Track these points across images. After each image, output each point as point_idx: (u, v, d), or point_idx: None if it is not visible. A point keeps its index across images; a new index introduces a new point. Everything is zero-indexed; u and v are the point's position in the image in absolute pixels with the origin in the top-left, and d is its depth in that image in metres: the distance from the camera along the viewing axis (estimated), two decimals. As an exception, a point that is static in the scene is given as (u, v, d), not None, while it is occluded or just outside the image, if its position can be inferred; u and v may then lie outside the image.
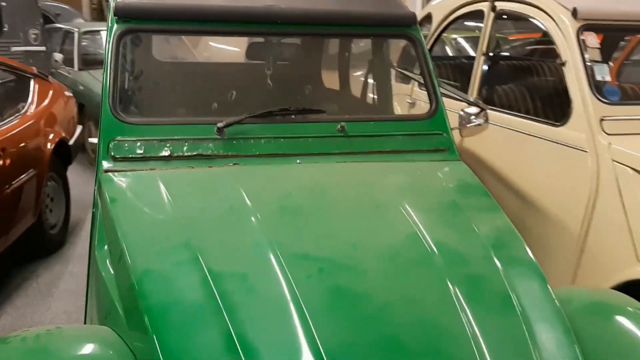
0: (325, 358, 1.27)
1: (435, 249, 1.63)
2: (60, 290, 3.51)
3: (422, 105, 3.36)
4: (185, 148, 2.01)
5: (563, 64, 2.55)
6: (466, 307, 1.46)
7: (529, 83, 3.26)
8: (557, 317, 1.51)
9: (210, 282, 1.44)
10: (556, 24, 2.61)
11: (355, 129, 2.17)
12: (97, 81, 6.01)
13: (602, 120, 2.40)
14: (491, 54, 3.20)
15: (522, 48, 4.96)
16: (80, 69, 6.48)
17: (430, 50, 3.56)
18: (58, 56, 6.49)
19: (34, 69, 4.32)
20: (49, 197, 3.91)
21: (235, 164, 2.02)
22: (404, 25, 2.39)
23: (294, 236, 1.66)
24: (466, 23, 3.87)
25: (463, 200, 1.94)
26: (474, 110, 2.45)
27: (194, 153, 2.01)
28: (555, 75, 3.05)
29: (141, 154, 1.98)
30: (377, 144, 2.17)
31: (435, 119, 2.29)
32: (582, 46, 2.52)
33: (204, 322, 1.35)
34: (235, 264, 1.53)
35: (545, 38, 2.90)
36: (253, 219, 1.68)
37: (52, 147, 3.82)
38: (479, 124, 2.45)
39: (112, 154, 1.97)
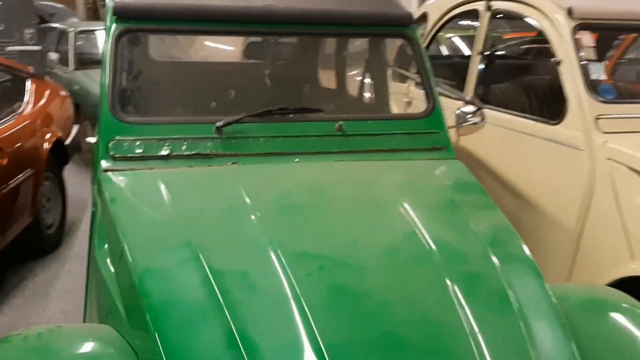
0: (326, 354, 1.28)
1: (433, 247, 1.65)
2: (57, 290, 3.51)
3: (419, 104, 3.38)
4: (184, 147, 2.02)
5: (558, 62, 2.57)
6: (464, 304, 1.47)
7: (524, 82, 3.27)
8: (554, 314, 1.53)
9: (211, 280, 1.44)
10: (552, 23, 2.63)
11: (353, 128, 2.18)
12: (92, 80, 6.01)
13: (597, 118, 2.42)
14: (487, 53, 3.21)
15: (517, 47, 4.98)
16: (75, 69, 6.47)
17: (427, 49, 3.57)
18: (53, 56, 6.48)
19: (30, 69, 4.32)
20: (46, 197, 3.91)
21: (234, 163, 2.03)
22: (401, 25, 2.40)
23: (294, 234, 1.67)
24: (460, 22, 3.88)
25: (460, 199, 1.95)
26: (470, 109, 2.47)
27: (193, 152, 2.02)
28: (551, 74, 3.07)
29: (140, 153, 1.99)
30: (374, 142, 2.19)
31: (432, 117, 2.30)
32: (578, 45, 2.54)
33: (205, 319, 1.36)
34: (236, 262, 1.54)
35: (541, 37, 2.92)
36: (253, 217, 1.69)
37: (49, 146, 3.82)
38: (475, 123, 2.46)
39: (112, 153, 1.98)
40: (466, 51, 6.30)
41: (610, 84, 2.81)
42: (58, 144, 4.02)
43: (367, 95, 3.01)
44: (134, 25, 2.14)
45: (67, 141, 4.26)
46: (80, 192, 4.90)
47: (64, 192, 4.25)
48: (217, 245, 1.59)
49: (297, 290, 1.42)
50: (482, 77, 3.17)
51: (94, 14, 14.22)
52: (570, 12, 2.57)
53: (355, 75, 3.30)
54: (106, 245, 1.78)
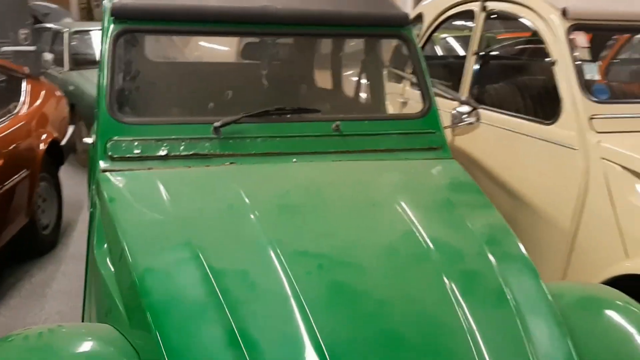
0: (326, 352, 1.30)
1: (431, 246, 1.67)
2: (54, 290, 3.51)
3: (414, 105, 3.39)
4: (182, 147, 2.03)
5: (553, 63, 2.59)
6: (462, 302, 1.49)
7: (519, 82, 3.30)
8: (550, 311, 1.55)
9: (212, 279, 1.46)
10: (546, 23, 2.65)
11: (350, 128, 2.20)
12: (87, 81, 6.00)
13: (591, 118, 2.44)
14: (482, 54, 3.24)
15: (511, 47, 5.00)
16: (70, 69, 6.46)
17: (422, 49, 3.59)
18: (48, 56, 6.46)
19: (26, 69, 4.31)
20: (41, 198, 3.91)
21: (232, 163, 2.04)
22: (398, 26, 2.42)
23: (292, 233, 1.68)
24: (454, 22, 3.90)
25: (457, 198, 1.97)
26: (465, 109, 2.49)
27: (191, 152, 2.03)
28: (546, 74, 3.09)
29: (138, 153, 1.99)
30: (371, 142, 2.20)
31: (428, 117, 2.32)
32: (572, 45, 2.56)
33: (206, 318, 1.37)
34: (236, 261, 1.55)
35: (535, 37, 2.94)
36: (252, 217, 1.70)
37: (45, 147, 3.82)
38: (470, 123, 2.48)
39: (110, 154, 1.98)
40: (460, 51, 6.32)
41: (604, 84, 2.84)
42: (54, 144, 4.01)
43: (363, 95, 3.03)
44: (132, 25, 2.14)
45: (63, 142, 4.26)
46: (75, 192, 4.90)
47: (59, 193, 4.24)
48: (216, 245, 1.60)
49: (297, 288, 1.44)
50: (477, 77, 3.19)
51: (88, 14, 14.18)
52: (564, 13, 2.59)
53: (350, 76, 3.31)
54: (105, 245, 1.79)
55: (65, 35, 6.72)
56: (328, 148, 2.15)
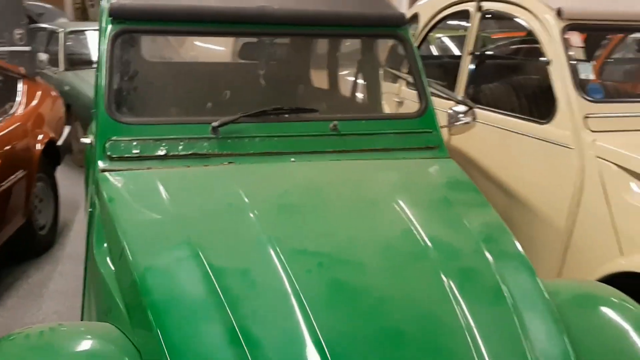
0: (326, 349, 1.31)
1: (429, 244, 1.68)
2: (51, 290, 3.51)
3: (410, 104, 3.41)
4: (180, 147, 2.04)
5: (548, 62, 2.61)
6: (460, 299, 1.51)
7: (514, 81, 3.32)
8: (546, 308, 1.56)
9: (212, 277, 1.47)
10: (541, 23, 2.68)
11: (348, 128, 2.21)
12: (83, 81, 5.99)
13: (586, 117, 2.46)
14: (477, 53, 3.26)
15: (507, 47, 5.03)
16: (65, 69, 6.45)
17: (418, 49, 3.61)
18: (43, 56, 6.45)
19: (22, 70, 4.31)
20: (38, 198, 3.90)
21: (230, 162, 2.05)
22: (394, 26, 2.43)
23: (292, 232, 1.69)
24: (448, 22, 3.93)
25: (454, 197, 1.98)
26: (462, 108, 2.51)
27: (190, 152, 2.04)
28: (541, 73, 3.11)
29: (137, 153, 2.00)
30: (369, 142, 2.21)
31: (425, 117, 2.34)
32: (567, 45, 2.59)
33: (207, 316, 1.38)
34: (236, 260, 1.56)
35: (530, 37, 2.96)
36: (251, 215, 1.71)
37: (42, 147, 3.82)
38: (467, 122, 2.50)
39: (109, 153, 1.99)
40: (455, 51, 6.35)
41: (599, 83, 2.86)
42: (50, 144, 4.01)
43: (360, 95, 3.04)
44: (130, 26, 2.15)
45: (60, 142, 4.26)
46: (72, 193, 4.90)
47: (56, 193, 4.24)
48: (216, 243, 1.61)
49: (297, 286, 1.45)
50: (473, 77, 3.21)
51: (82, 14, 14.14)
52: (559, 13, 2.61)
53: (346, 76, 3.33)
54: (105, 245, 1.79)
55: (61, 36, 6.71)
56: (326, 147, 2.16)
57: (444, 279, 1.56)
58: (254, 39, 3.07)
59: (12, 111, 3.78)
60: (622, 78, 4.26)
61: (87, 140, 2.50)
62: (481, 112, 2.84)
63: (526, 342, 1.45)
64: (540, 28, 2.68)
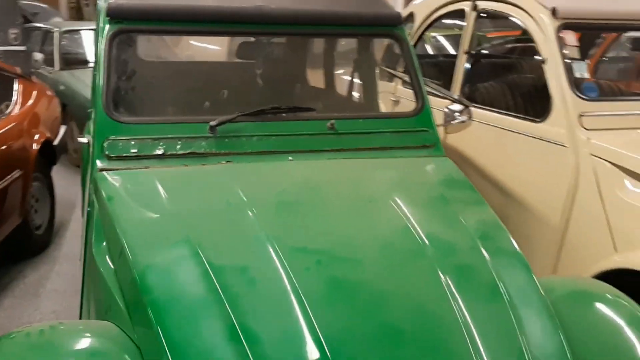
0: (325, 345, 1.32)
1: (426, 241, 1.70)
2: (48, 290, 3.51)
3: (406, 103, 3.42)
4: (178, 146, 2.05)
5: (543, 61, 2.63)
6: (457, 295, 1.52)
7: (510, 80, 3.34)
8: (542, 304, 1.58)
9: (211, 275, 1.48)
10: (536, 22, 2.69)
11: (345, 127, 2.22)
12: (78, 81, 5.98)
13: (581, 116, 2.48)
14: (473, 52, 3.27)
15: (502, 46, 5.06)
16: (61, 69, 6.44)
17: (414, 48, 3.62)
18: (38, 56, 6.43)
19: (17, 69, 4.30)
20: (34, 198, 3.90)
21: (228, 161, 2.06)
22: (391, 25, 2.45)
23: (290, 230, 1.70)
24: (444, 21, 3.95)
25: (450, 195, 2.00)
26: (457, 107, 2.52)
27: (188, 151, 2.05)
28: (536, 72, 3.13)
29: (135, 152, 2.01)
30: (366, 141, 2.23)
31: (421, 116, 2.35)
32: (561, 44, 2.61)
33: (206, 313, 1.39)
34: (235, 258, 1.57)
35: (525, 36, 2.98)
36: (250, 214, 1.73)
37: (38, 147, 3.82)
38: (462, 121, 2.51)
39: (107, 153, 2.00)
40: (450, 50, 6.37)
41: (593, 82, 2.88)
42: (46, 144, 4.01)
43: (356, 94, 3.05)
44: (128, 26, 2.15)
45: (56, 142, 4.25)
46: (68, 192, 4.90)
47: (52, 193, 4.24)
48: (215, 241, 1.62)
49: (296, 283, 1.46)
50: (469, 76, 3.23)
51: (77, 13, 14.11)
52: (554, 12, 2.63)
53: (342, 75, 3.34)
54: (104, 243, 1.80)
55: (56, 35, 6.69)
56: (323, 146, 2.17)
57: (441, 275, 1.58)
58: (251, 39, 3.08)
59: (8, 111, 3.77)
60: (616, 76, 4.29)
61: (84, 139, 2.51)
62: (477, 111, 2.86)
63: (522, 338, 1.47)
64: (535, 27, 2.70)
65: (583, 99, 2.52)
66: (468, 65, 3.22)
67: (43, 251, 3.99)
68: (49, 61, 6.53)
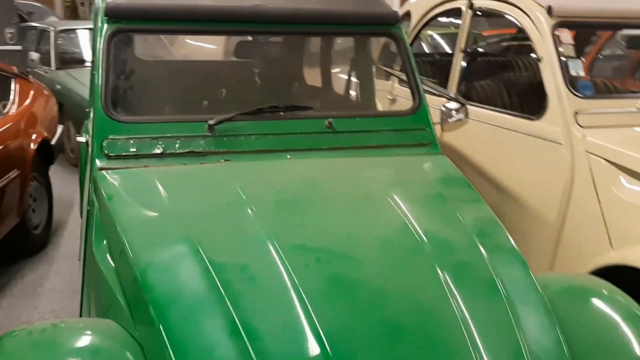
0: (325, 341, 1.34)
1: (424, 238, 1.71)
2: (46, 289, 3.51)
3: (403, 102, 3.44)
4: (177, 145, 2.05)
5: (539, 59, 2.65)
6: (455, 292, 1.54)
7: (506, 78, 3.36)
8: (539, 300, 1.60)
9: (212, 272, 1.49)
10: (532, 21, 2.71)
11: (343, 125, 2.23)
12: (75, 80, 5.98)
13: (576, 113, 2.50)
14: (469, 51, 3.29)
15: (498, 44, 5.08)
16: (57, 68, 6.43)
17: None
18: (34, 55, 6.42)
19: (15, 69, 4.30)
20: (32, 197, 3.90)
21: (226, 160, 2.07)
22: (388, 24, 2.46)
23: (290, 228, 1.71)
24: (441, 20, 3.97)
25: (447, 192, 2.02)
26: (454, 105, 2.54)
27: (186, 150, 2.06)
28: (531, 70, 3.15)
29: (134, 151, 2.01)
30: (363, 139, 2.24)
31: (418, 114, 2.36)
32: (557, 42, 2.63)
33: (208, 311, 1.40)
34: (235, 255, 1.59)
35: (521, 35, 3.00)
36: (249, 212, 1.74)
37: (35, 147, 3.82)
38: (459, 119, 2.53)
39: (106, 152, 2.00)
40: (447, 48, 6.39)
41: (589, 80, 2.90)
42: (44, 144, 4.01)
43: (353, 93, 3.07)
44: (126, 25, 2.16)
45: (53, 141, 4.25)
46: (65, 192, 4.90)
47: (50, 192, 4.24)
48: (215, 239, 1.63)
49: (296, 281, 1.47)
50: (465, 74, 3.25)
51: (72, 12, 14.08)
52: (550, 11, 2.65)
53: (339, 73, 3.35)
54: (105, 242, 1.81)
55: (52, 34, 6.68)
56: (321, 145, 2.18)
57: (440, 272, 1.59)
58: (248, 38, 3.09)
59: (5, 110, 3.78)
60: (611, 74, 4.32)
61: (82, 139, 2.51)
62: (473, 109, 2.88)
63: (520, 334, 1.49)
64: (531, 25, 2.72)
65: (578, 96, 2.54)
66: (464, 64, 3.24)
67: (41, 251, 4.00)
68: (45, 60, 6.52)
